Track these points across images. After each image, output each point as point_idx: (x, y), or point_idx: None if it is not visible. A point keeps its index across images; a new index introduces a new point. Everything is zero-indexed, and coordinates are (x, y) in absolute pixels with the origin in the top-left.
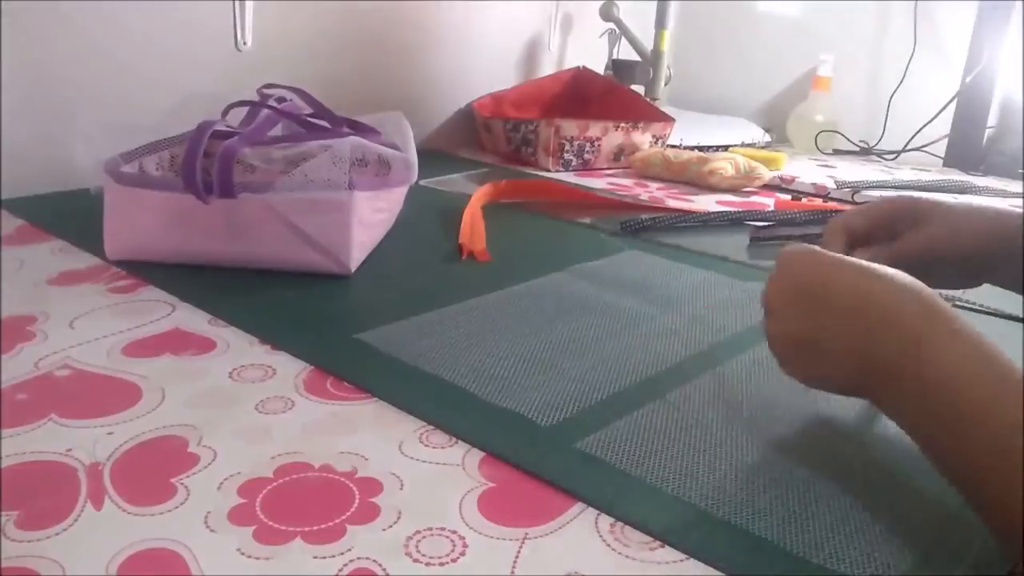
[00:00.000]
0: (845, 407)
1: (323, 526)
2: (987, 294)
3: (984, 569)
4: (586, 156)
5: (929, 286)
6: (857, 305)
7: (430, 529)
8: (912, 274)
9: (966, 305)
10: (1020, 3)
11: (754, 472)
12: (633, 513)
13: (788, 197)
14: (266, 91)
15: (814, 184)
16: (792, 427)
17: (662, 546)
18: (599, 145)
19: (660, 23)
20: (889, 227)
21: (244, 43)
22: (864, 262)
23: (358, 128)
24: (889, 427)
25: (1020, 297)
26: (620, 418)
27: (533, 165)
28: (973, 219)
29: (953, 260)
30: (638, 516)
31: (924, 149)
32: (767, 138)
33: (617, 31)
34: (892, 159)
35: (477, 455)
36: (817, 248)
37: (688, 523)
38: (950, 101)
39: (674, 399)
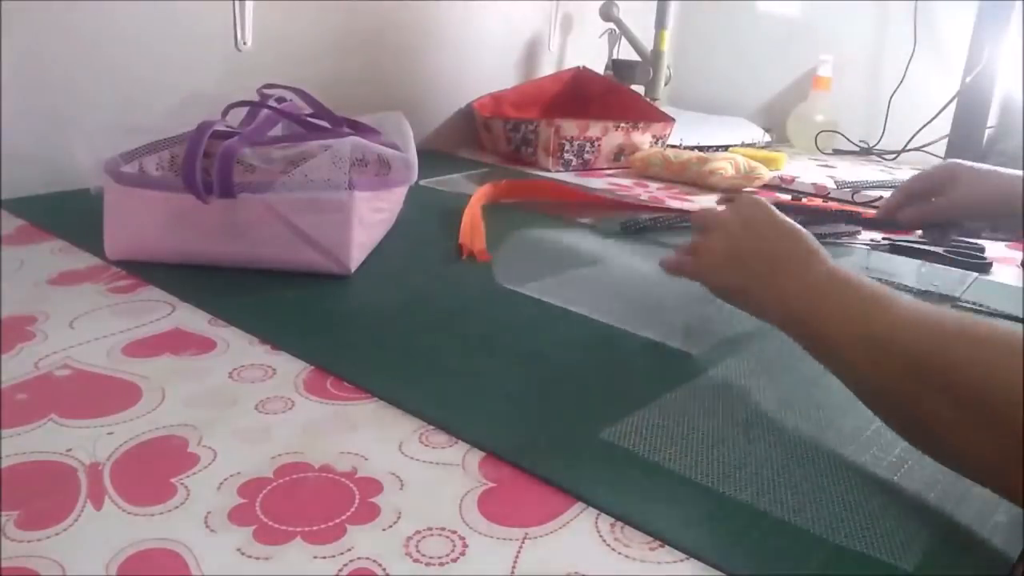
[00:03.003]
0: (844, 408)
1: (323, 526)
2: (987, 294)
3: (984, 569)
4: (586, 156)
5: (960, 233)
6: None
7: (430, 529)
8: (950, 223)
9: (966, 305)
10: (1020, 3)
11: (752, 472)
12: (633, 513)
13: (788, 197)
14: (266, 91)
15: (814, 184)
16: (791, 427)
17: (662, 546)
18: (599, 145)
19: (660, 23)
20: (938, 186)
21: (244, 43)
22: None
23: (358, 128)
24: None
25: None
26: (620, 419)
27: (533, 165)
28: (989, 183)
29: (974, 213)
30: (638, 516)
31: (924, 149)
32: (767, 138)
33: (617, 31)
34: (892, 159)
35: (477, 455)
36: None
37: (688, 523)
38: (950, 101)
39: (674, 400)
